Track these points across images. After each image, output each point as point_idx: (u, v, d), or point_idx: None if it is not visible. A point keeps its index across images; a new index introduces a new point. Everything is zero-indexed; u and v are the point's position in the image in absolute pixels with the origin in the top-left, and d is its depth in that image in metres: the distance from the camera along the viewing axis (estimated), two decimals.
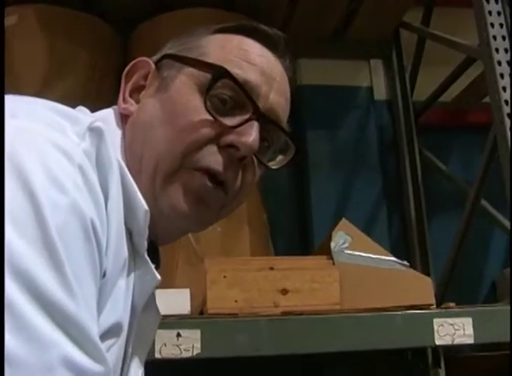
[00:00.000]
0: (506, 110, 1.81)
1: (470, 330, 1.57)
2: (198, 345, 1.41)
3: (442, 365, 2.33)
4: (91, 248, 0.59)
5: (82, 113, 0.75)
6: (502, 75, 1.85)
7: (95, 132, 0.66)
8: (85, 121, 0.67)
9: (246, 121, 0.77)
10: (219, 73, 0.76)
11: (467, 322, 1.58)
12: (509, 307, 1.62)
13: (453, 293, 2.17)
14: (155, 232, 0.78)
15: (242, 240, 1.92)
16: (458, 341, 1.57)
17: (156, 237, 0.81)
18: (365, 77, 2.77)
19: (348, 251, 1.66)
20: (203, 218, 0.80)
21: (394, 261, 1.71)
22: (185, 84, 0.78)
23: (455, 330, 1.57)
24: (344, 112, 2.69)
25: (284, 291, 1.55)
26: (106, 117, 0.81)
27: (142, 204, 0.72)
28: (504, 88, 1.84)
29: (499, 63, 1.86)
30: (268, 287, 1.55)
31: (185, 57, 0.80)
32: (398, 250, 2.29)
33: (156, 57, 0.84)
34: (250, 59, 0.80)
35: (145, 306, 0.80)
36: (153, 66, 0.83)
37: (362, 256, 1.68)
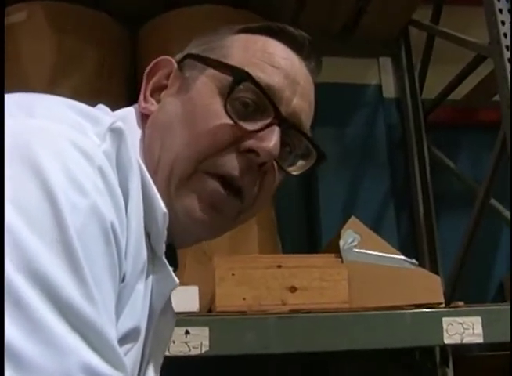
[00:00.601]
0: None
1: (479, 330, 1.57)
2: (206, 342, 1.40)
3: (450, 364, 2.32)
4: (110, 252, 0.58)
5: (102, 112, 0.73)
6: None
7: (116, 133, 0.65)
8: (106, 122, 0.65)
9: (268, 125, 0.75)
10: (241, 76, 0.75)
11: (476, 321, 1.57)
12: None
13: (461, 292, 2.16)
14: (172, 234, 0.77)
15: (250, 238, 1.91)
16: (467, 340, 1.56)
17: (173, 240, 0.79)
18: (374, 75, 2.76)
19: (357, 250, 1.66)
20: (218, 226, 0.79)
21: (402, 259, 1.71)
22: (206, 86, 0.77)
23: (464, 329, 1.56)
24: (353, 110, 2.68)
25: (292, 289, 1.55)
26: (126, 116, 0.79)
27: (161, 206, 0.71)
28: None
29: (510, 61, 1.85)
30: (276, 285, 1.55)
31: (208, 58, 0.79)
32: (407, 248, 2.29)
33: (179, 56, 0.83)
34: (274, 62, 0.78)
35: (162, 309, 0.79)
36: (175, 65, 0.82)
37: (370, 254, 1.67)
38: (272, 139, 0.74)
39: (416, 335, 1.56)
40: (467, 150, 2.77)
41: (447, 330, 1.56)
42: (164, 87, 0.82)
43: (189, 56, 0.81)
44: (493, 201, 2.29)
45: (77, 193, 0.56)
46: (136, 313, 0.66)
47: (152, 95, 0.82)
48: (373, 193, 2.55)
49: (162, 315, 0.80)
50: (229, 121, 0.74)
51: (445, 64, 2.65)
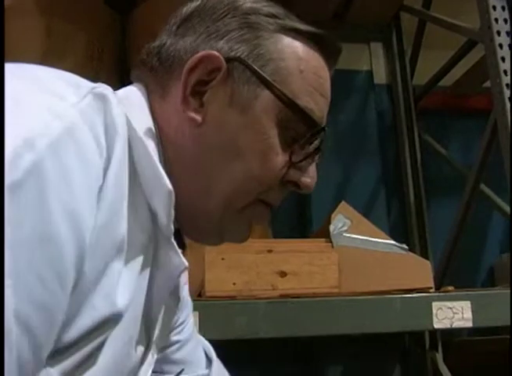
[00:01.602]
0: (507, 93, 1.80)
1: (468, 314, 1.57)
2: (196, 327, 1.40)
3: (440, 349, 2.34)
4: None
5: (102, 87, 0.69)
6: (503, 58, 1.84)
7: (98, 97, 0.62)
8: (88, 86, 0.63)
9: (309, 156, 0.76)
10: (314, 128, 0.75)
11: (466, 305, 1.58)
12: (507, 291, 1.62)
13: (451, 277, 2.17)
14: (181, 222, 0.76)
15: None
16: (456, 324, 1.57)
17: (179, 225, 0.78)
18: (366, 60, 2.76)
19: (347, 234, 1.66)
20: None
21: (393, 244, 1.71)
22: (267, 114, 0.73)
23: (453, 313, 1.57)
24: (344, 96, 2.67)
25: (283, 274, 1.55)
26: (130, 95, 0.76)
27: (167, 184, 0.68)
28: (505, 72, 1.82)
29: (501, 46, 1.85)
30: (266, 270, 1.55)
31: (269, 83, 0.73)
32: (397, 233, 2.29)
33: (225, 54, 0.74)
34: (323, 90, 0.77)
35: (170, 293, 0.78)
36: (224, 64, 0.74)
37: (361, 239, 1.67)
38: (314, 175, 0.77)
39: (405, 320, 1.57)
40: (458, 136, 2.78)
41: (436, 315, 1.56)
42: (205, 84, 0.74)
43: (243, 62, 0.74)
44: (483, 187, 2.29)
45: (26, 150, 0.53)
46: (111, 300, 0.63)
47: (191, 93, 0.74)
48: (363, 178, 2.55)
49: (172, 299, 0.80)
50: (287, 159, 0.74)
51: (436, 50, 2.65)
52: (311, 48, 0.78)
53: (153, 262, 0.71)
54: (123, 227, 0.64)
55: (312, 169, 0.77)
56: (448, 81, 2.65)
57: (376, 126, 2.67)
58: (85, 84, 0.64)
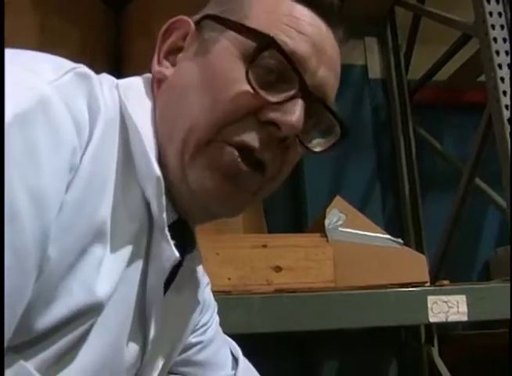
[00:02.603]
0: (502, 87, 1.80)
1: (464, 308, 1.57)
2: None
3: (435, 343, 2.34)
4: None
5: (105, 79, 0.70)
6: (497, 52, 1.84)
7: (81, 76, 0.62)
8: (69, 66, 0.62)
9: (291, 97, 0.70)
10: (265, 42, 0.69)
11: (461, 299, 1.58)
12: (503, 284, 1.62)
13: (447, 271, 2.17)
14: (185, 209, 0.73)
15: (235, 218, 1.91)
16: (452, 318, 1.57)
17: (186, 216, 0.75)
18: (360, 55, 2.75)
19: (342, 229, 1.66)
20: (235, 200, 0.73)
21: (388, 238, 1.71)
22: (226, 50, 0.71)
23: (449, 307, 1.57)
24: (338, 90, 2.66)
25: (278, 269, 1.55)
26: (132, 82, 0.75)
27: (155, 169, 0.67)
28: (500, 66, 1.82)
29: (495, 40, 1.85)
30: (261, 265, 1.54)
31: (229, 20, 0.73)
32: (392, 228, 2.29)
33: (196, 17, 0.77)
34: (301, 27, 0.71)
35: (174, 289, 0.76)
36: (192, 26, 0.76)
37: (356, 234, 1.67)
38: (295, 113, 0.69)
39: (401, 314, 1.57)
40: (453, 130, 2.78)
41: (432, 309, 1.56)
42: (180, 49, 0.76)
43: (208, 16, 0.75)
44: (478, 181, 2.29)
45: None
46: (88, 288, 0.61)
47: (166, 58, 0.76)
48: (358, 173, 2.55)
49: (174, 294, 0.76)
50: (250, 89, 0.68)
51: (430, 44, 2.65)
52: (290, 3, 0.74)
53: (146, 255, 0.69)
54: (103, 210, 0.62)
55: (296, 109, 0.69)
56: (442, 75, 2.65)
57: (371, 120, 2.66)
58: (68, 64, 0.63)
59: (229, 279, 1.50)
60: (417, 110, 2.71)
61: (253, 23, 0.72)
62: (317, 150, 0.76)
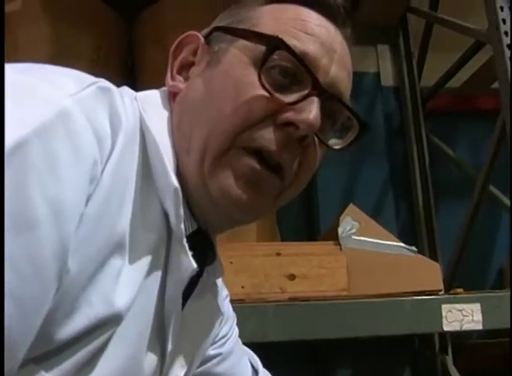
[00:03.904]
0: None
1: (478, 316, 1.56)
2: None
3: (450, 352, 2.32)
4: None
5: (124, 92, 0.71)
6: (511, 59, 1.83)
7: (103, 90, 0.62)
8: (90, 80, 0.63)
9: (306, 96, 0.70)
10: (275, 44, 0.69)
11: (476, 308, 1.57)
12: None
13: (460, 279, 2.16)
14: (205, 219, 0.74)
15: (249, 226, 1.90)
16: (466, 327, 1.56)
17: (206, 225, 0.76)
18: (372, 62, 2.75)
19: (356, 237, 1.65)
20: (257, 206, 0.72)
21: (402, 246, 1.70)
22: (237, 58, 0.72)
23: (463, 316, 1.56)
24: (351, 98, 2.65)
25: (291, 277, 1.54)
26: (150, 95, 0.76)
27: (172, 180, 0.67)
28: None
29: (509, 47, 1.84)
30: (274, 273, 1.54)
31: (237, 29, 0.74)
32: (406, 235, 2.28)
33: (205, 31, 0.79)
34: (308, 29, 0.72)
35: (194, 300, 0.76)
36: (202, 40, 0.78)
37: (369, 242, 1.67)
38: (311, 111, 0.68)
39: (415, 322, 1.56)
40: (466, 138, 2.77)
41: (446, 317, 1.55)
42: (192, 64, 0.78)
43: (217, 28, 0.77)
44: (492, 188, 2.28)
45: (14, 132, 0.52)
46: (107, 300, 0.61)
47: (179, 73, 0.78)
48: (371, 181, 2.54)
49: (195, 304, 0.76)
50: (265, 93, 0.69)
51: (443, 51, 2.64)
52: (295, 5, 0.76)
53: (165, 266, 0.69)
54: (123, 222, 0.63)
55: (312, 107, 0.69)
56: (455, 82, 2.64)
57: (384, 128, 2.66)
58: (89, 78, 0.64)
59: (243, 287, 1.50)
60: (430, 117, 2.71)
61: (261, 30, 0.73)
62: (337, 147, 0.76)
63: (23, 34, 2.03)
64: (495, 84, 2.01)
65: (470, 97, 2.75)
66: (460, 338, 2.36)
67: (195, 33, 0.78)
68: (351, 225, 1.66)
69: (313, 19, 0.74)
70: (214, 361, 0.94)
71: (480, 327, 1.57)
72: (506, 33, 1.86)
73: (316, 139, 0.73)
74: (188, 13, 2.04)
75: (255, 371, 1.01)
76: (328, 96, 0.72)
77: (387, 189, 2.57)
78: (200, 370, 0.91)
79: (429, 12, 2.60)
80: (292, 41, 0.70)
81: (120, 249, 0.62)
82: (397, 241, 1.73)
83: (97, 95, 0.61)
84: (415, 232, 2.57)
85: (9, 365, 0.52)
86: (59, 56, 2.04)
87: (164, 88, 0.79)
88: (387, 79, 2.77)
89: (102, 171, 0.60)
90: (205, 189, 0.70)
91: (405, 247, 1.71)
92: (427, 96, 2.72)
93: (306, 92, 0.70)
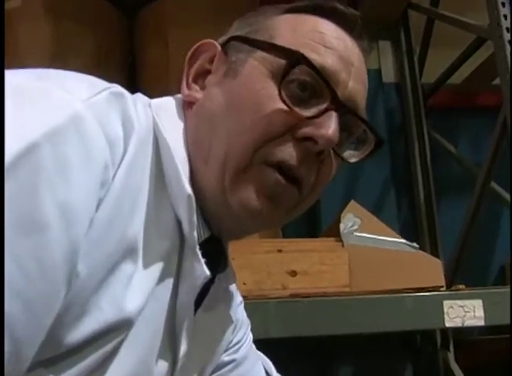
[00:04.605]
0: None
1: (480, 313, 1.56)
2: None
3: (451, 348, 2.33)
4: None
5: (138, 99, 0.71)
6: None
7: (116, 95, 0.62)
8: (103, 85, 0.63)
9: (325, 111, 0.70)
10: (295, 58, 0.69)
11: (478, 304, 1.57)
12: None
13: (462, 276, 2.16)
14: (219, 227, 0.74)
15: None
16: (468, 323, 1.56)
17: (219, 233, 0.76)
18: (374, 58, 2.74)
19: (357, 233, 1.65)
20: (275, 218, 0.74)
21: (403, 243, 1.71)
22: (256, 70, 0.72)
23: (465, 312, 1.56)
24: None
25: (293, 273, 1.55)
26: (164, 103, 0.76)
27: (186, 188, 0.67)
28: None
29: (510, 43, 1.84)
30: (276, 270, 1.54)
31: (255, 40, 0.74)
32: (407, 232, 2.28)
33: (222, 39, 0.78)
34: (327, 42, 0.73)
35: (206, 307, 0.76)
36: (219, 48, 0.77)
37: (371, 238, 1.67)
38: (330, 126, 0.69)
39: (416, 319, 1.56)
40: (467, 134, 2.77)
41: (448, 314, 1.55)
42: (208, 72, 0.77)
43: (234, 38, 0.76)
44: (494, 185, 2.28)
45: (25, 135, 0.53)
46: (118, 305, 0.61)
47: (195, 82, 0.77)
48: (373, 177, 2.54)
49: (207, 313, 0.76)
50: (284, 107, 0.69)
51: (444, 48, 2.64)
52: (313, 17, 0.76)
53: (177, 272, 0.69)
54: (135, 227, 0.63)
55: (331, 122, 0.69)
56: (457, 78, 2.64)
57: (385, 124, 2.66)
58: (102, 83, 0.64)
59: (245, 284, 1.50)
60: (431, 113, 2.71)
61: (279, 42, 0.72)
62: (352, 160, 0.76)
63: (23, 32, 2.03)
64: (497, 81, 2.01)
65: (471, 93, 2.75)
66: (462, 335, 2.37)
67: (211, 41, 0.77)
68: (353, 221, 1.66)
69: (331, 32, 0.74)
70: (228, 367, 0.93)
71: (482, 323, 1.57)
72: (507, 29, 1.86)
73: (332, 151, 0.73)
74: (188, 11, 2.04)
75: None
76: (346, 110, 0.72)
77: (388, 186, 2.57)
78: None
79: (430, 8, 2.60)
80: (311, 55, 0.71)
81: (131, 254, 0.62)
82: (398, 238, 1.73)
83: (110, 100, 0.61)
84: (416, 228, 2.57)
85: (18, 366, 0.52)
86: (60, 54, 2.04)
87: (179, 96, 0.78)
88: (389, 75, 2.77)
89: (114, 176, 0.60)
90: (224, 201, 0.70)
91: (406, 244, 1.71)
92: (429, 93, 2.72)
93: (325, 106, 0.70)
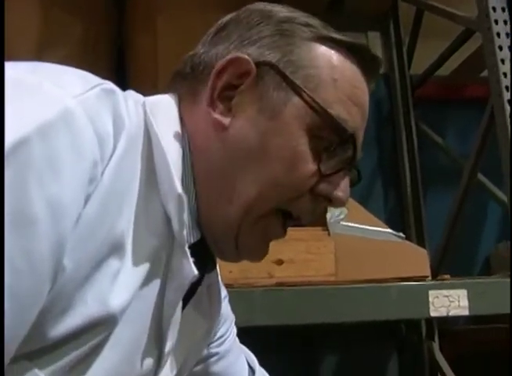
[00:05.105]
0: (505, 82, 1.80)
1: (465, 302, 1.57)
2: None
3: (436, 338, 2.34)
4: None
5: (131, 96, 0.70)
6: (501, 47, 1.83)
7: (107, 92, 0.62)
8: (96, 81, 0.63)
9: (340, 170, 0.73)
10: (346, 137, 0.72)
11: (462, 294, 1.58)
12: (504, 279, 1.62)
13: (447, 266, 2.17)
14: (211, 234, 0.75)
15: None
16: (453, 312, 1.57)
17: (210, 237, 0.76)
18: None
19: (344, 223, 1.66)
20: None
21: (389, 232, 1.71)
22: (295, 121, 0.71)
23: (450, 302, 1.57)
24: None
25: (279, 262, 1.55)
26: (161, 100, 0.76)
27: (176, 187, 0.67)
28: (503, 61, 1.82)
29: (498, 35, 1.84)
30: None
31: (299, 87, 0.72)
32: (394, 222, 2.29)
33: (254, 57, 0.73)
34: (358, 100, 0.74)
35: (193, 305, 0.77)
36: (254, 69, 0.73)
37: (357, 227, 1.67)
38: (346, 190, 0.74)
39: (402, 308, 1.57)
40: (455, 126, 2.78)
41: (433, 303, 1.56)
42: (234, 87, 0.73)
43: (272, 66, 0.73)
44: (480, 176, 2.29)
45: (16, 130, 0.53)
46: (103, 300, 0.61)
47: (220, 98, 0.73)
48: (360, 167, 2.53)
49: (194, 310, 0.78)
50: (315, 168, 0.71)
51: (433, 39, 2.64)
52: (348, 58, 0.75)
53: (165, 271, 0.69)
54: (123, 223, 0.63)
55: (345, 184, 0.74)
56: (445, 70, 2.65)
57: (373, 115, 2.66)
58: (95, 79, 0.64)
59: (230, 272, 1.50)
60: (419, 104, 2.71)
61: (321, 94, 0.72)
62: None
63: (13, 18, 2.01)
64: (485, 73, 2.01)
65: (459, 85, 2.76)
66: (447, 324, 2.38)
67: (246, 58, 0.73)
68: (340, 211, 1.66)
69: (361, 85, 0.76)
70: (212, 360, 0.95)
71: (466, 312, 1.58)
72: (495, 21, 1.86)
73: None
74: None
75: (252, 370, 1.02)
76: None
77: (375, 176, 2.58)
78: (197, 368, 0.92)
79: None
80: (344, 116, 0.72)
81: (118, 250, 0.62)
82: (385, 227, 1.74)
83: (101, 96, 0.61)
84: (403, 218, 2.59)
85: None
86: (49, 41, 2.03)
87: (172, 95, 0.78)
88: None
89: (103, 172, 0.60)
90: (233, 238, 0.73)
91: (392, 234, 1.72)
92: (417, 84, 2.72)
93: (342, 165, 0.73)
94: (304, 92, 0.72)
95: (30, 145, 0.53)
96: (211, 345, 0.94)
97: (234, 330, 1.01)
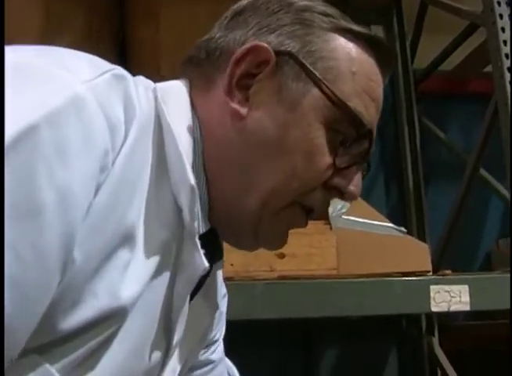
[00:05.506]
0: (509, 77, 1.79)
1: (466, 298, 1.57)
2: None
3: (436, 333, 2.34)
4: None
5: (140, 81, 0.70)
6: (505, 42, 1.83)
7: (117, 76, 0.61)
8: (106, 67, 0.62)
9: (355, 163, 0.73)
10: (364, 132, 0.72)
11: (464, 289, 1.58)
12: (505, 275, 1.62)
13: (448, 261, 2.17)
14: (220, 224, 0.74)
15: None
16: (454, 308, 1.57)
17: (217, 229, 0.76)
18: None
19: (346, 217, 1.65)
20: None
21: (391, 227, 1.71)
22: (314, 113, 0.71)
23: (451, 297, 1.57)
24: None
25: (281, 255, 1.55)
26: (172, 86, 0.74)
27: (189, 178, 0.66)
28: (507, 56, 1.82)
29: (503, 30, 1.83)
30: (264, 251, 1.52)
31: (318, 78, 0.71)
32: (396, 217, 2.29)
33: (274, 46, 0.72)
34: (374, 94, 0.74)
35: (200, 296, 0.76)
36: (273, 58, 0.71)
37: (359, 222, 1.67)
38: (358, 185, 0.74)
39: (403, 303, 1.57)
40: (458, 120, 2.77)
41: (434, 298, 1.56)
42: (252, 76, 0.72)
43: (291, 55, 0.72)
44: (483, 171, 2.29)
45: (25, 116, 0.52)
46: (114, 293, 0.60)
47: (238, 86, 0.72)
48: None
49: (201, 299, 0.77)
50: (331, 161, 0.71)
51: (437, 34, 2.63)
52: (365, 51, 0.75)
53: (175, 262, 0.69)
54: (133, 214, 0.62)
55: (358, 178, 0.74)
56: (448, 65, 2.64)
57: None
58: (105, 65, 0.63)
59: (232, 265, 1.50)
60: (422, 99, 2.70)
61: (340, 86, 0.72)
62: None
63: (14, 9, 2.01)
64: (488, 68, 2.01)
65: (462, 80, 2.75)
66: (447, 320, 2.38)
67: (266, 46, 0.71)
68: (342, 204, 1.66)
69: (377, 78, 0.76)
70: (206, 369, 0.93)
71: (467, 308, 1.58)
72: (500, 15, 1.85)
73: None
74: None
75: None
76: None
77: (377, 171, 2.57)
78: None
79: None
80: (361, 109, 0.72)
81: (129, 241, 0.61)
82: (386, 222, 1.74)
83: (111, 82, 0.60)
84: (404, 213, 2.58)
85: (9, 352, 0.52)
86: (51, 31, 2.02)
87: (184, 81, 0.76)
88: None
89: (114, 161, 0.59)
90: (252, 229, 0.73)
91: (394, 228, 1.71)
92: (420, 78, 2.71)
93: (357, 159, 0.74)
94: (324, 83, 0.71)
95: (38, 132, 0.52)
96: (209, 351, 0.93)
97: (221, 343, 0.99)
